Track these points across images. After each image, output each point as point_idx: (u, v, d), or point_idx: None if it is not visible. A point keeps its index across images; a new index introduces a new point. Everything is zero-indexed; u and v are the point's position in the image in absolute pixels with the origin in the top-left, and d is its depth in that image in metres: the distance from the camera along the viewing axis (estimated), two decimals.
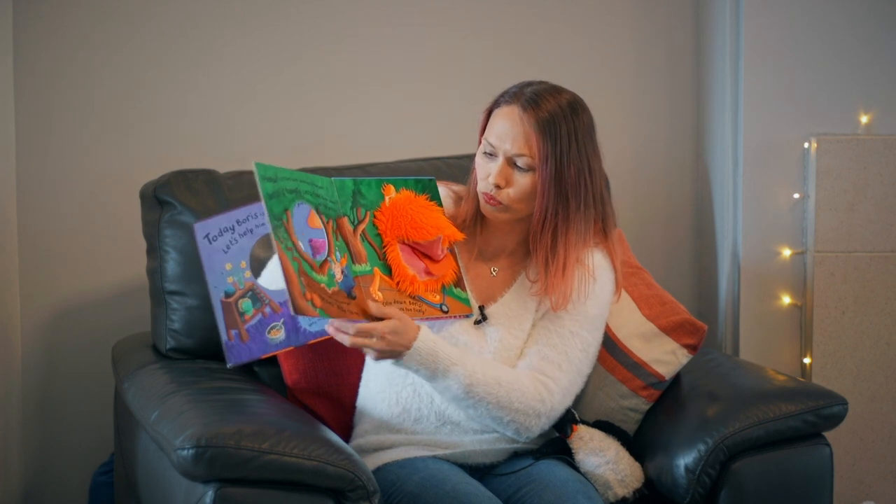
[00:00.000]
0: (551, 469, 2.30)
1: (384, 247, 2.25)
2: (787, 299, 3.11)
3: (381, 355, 2.18)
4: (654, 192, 3.29)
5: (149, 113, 3.00)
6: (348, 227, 2.22)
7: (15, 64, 2.92)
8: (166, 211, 2.61)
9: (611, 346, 2.47)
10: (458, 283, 2.31)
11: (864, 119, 3.07)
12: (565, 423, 2.36)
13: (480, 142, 2.32)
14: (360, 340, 2.16)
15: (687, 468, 2.32)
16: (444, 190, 2.40)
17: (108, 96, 2.98)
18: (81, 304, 2.99)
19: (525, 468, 2.31)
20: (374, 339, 2.16)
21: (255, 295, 2.28)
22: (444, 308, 2.26)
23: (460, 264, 2.33)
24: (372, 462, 2.31)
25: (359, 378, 2.45)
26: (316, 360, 2.51)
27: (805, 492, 2.36)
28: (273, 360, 2.57)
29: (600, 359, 2.46)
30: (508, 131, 2.27)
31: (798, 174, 3.09)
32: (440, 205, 2.33)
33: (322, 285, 2.11)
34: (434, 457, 2.32)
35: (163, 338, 2.62)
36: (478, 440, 2.34)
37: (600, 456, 2.36)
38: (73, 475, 3.03)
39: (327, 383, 2.51)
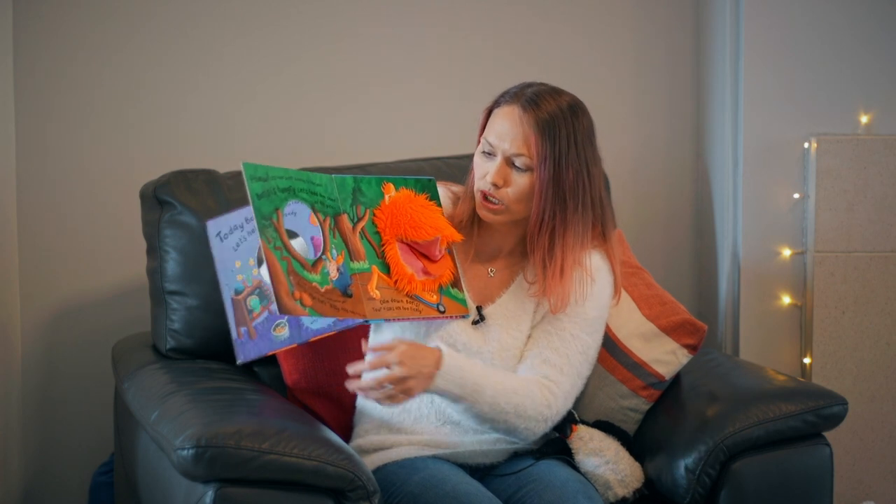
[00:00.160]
0: (551, 469, 2.30)
1: (383, 245, 2.25)
2: (787, 299, 3.11)
3: (409, 382, 2.15)
4: (654, 192, 3.29)
5: (149, 113, 3.00)
6: (347, 224, 2.21)
7: (15, 64, 2.92)
8: (166, 211, 2.61)
9: (611, 346, 2.47)
10: (456, 283, 2.31)
11: (864, 119, 3.07)
12: (565, 423, 2.36)
13: (479, 141, 2.32)
14: (382, 376, 2.14)
15: (687, 468, 2.32)
16: (442, 190, 2.40)
17: (108, 96, 2.98)
18: (81, 304, 2.99)
19: (525, 468, 2.31)
20: (395, 368, 2.14)
21: (263, 292, 2.27)
22: (441, 308, 2.26)
23: (458, 265, 2.33)
24: (372, 462, 2.31)
25: (358, 378, 2.44)
26: (316, 359, 2.51)
27: (805, 492, 2.36)
28: (273, 360, 2.57)
29: (601, 359, 2.46)
30: (508, 131, 2.27)
31: (798, 174, 3.09)
32: (439, 205, 2.33)
33: (314, 284, 2.10)
34: (434, 457, 2.32)
35: (163, 338, 2.62)
36: (478, 440, 2.34)
37: (600, 456, 2.36)
38: (73, 475, 3.03)
39: (327, 383, 2.51)
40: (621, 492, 2.35)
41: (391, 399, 2.15)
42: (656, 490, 2.39)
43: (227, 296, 2.31)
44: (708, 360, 2.60)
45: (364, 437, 2.38)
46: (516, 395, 2.23)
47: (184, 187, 2.61)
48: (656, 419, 2.46)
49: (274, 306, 2.17)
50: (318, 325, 2.23)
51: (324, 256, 2.14)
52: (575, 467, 2.36)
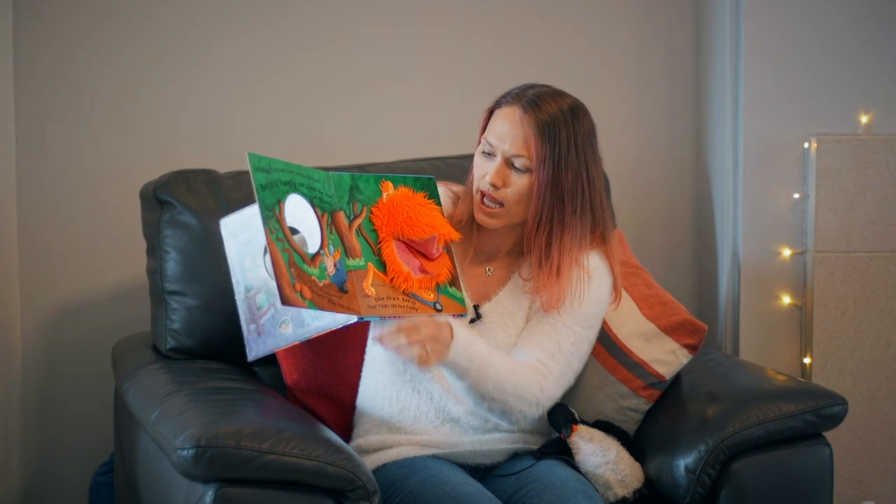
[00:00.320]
0: (551, 469, 2.30)
1: (379, 243, 2.24)
2: (787, 299, 3.11)
3: (437, 356, 2.15)
4: (654, 192, 3.29)
5: (149, 113, 3.00)
6: (344, 221, 2.21)
7: (15, 64, 2.92)
8: (166, 211, 2.61)
9: (611, 346, 2.47)
10: (454, 282, 2.30)
11: (864, 119, 3.07)
12: (565, 423, 2.37)
13: (480, 141, 2.32)
14: (405, 340, 2.13)
15: (687, 468, 2.32)
16: (443, 190, 2.40)
17: (108, 96, 2.98)
18: (81, 304, 2.99)
19: (525, 469, 2.31)
20: (423, 330, 2.13)
21: (270, 289, 2.28)
22: (438, 306, 2.26)
23: (456, 264, 2.33)
24: (372, 462, 2.31)
25: (358, 377, 2.45)
26: (316, 359, 2.51)
27: (805, 492, 2.36)
28: (273, 360, 2.57)
29: (600, 359, 2.46)
30: (508, 132, 2.27)
31: (798, 174, 3.09)
32: (439, 204, 2.33)
33: (313, 278, 2.10)
34: (434, 457, 2.32)
35: (163, 338, 2.62)
36: (478, 440, 2.34)
37: (600, 456, 2.36)
38: (73, 475, 3.03)
39: (327, 383, 2.51)
40: (621, 492, 2.35)
41: (413, 356, 2.14)
42: (656, 490, 2.39)
43: (239, 293, 2.31)
44: (708, 360, 2.60)
45: (364, 436, 2.38)
46: (515, 375, 2.24)
47: (184, 187, 2.61)
48: (656, 419, 2.46)
49: (279, 302, 2.18)
50: (319, 322, 2.23)
51: (322, 252, 2.14)
52: (575, 467, 2.36)
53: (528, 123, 2.26)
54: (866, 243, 3.06)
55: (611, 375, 2.47)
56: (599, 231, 2.34)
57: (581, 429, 2.38)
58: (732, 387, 2.45)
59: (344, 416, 2.50)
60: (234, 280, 2.32)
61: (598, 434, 2.39)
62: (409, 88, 3.14)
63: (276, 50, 3.06)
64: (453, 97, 3.14)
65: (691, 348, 2.48)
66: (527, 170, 2.27)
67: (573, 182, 2.27)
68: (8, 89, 2.91)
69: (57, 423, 3.02)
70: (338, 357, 2.51)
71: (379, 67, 3.12)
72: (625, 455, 2.38)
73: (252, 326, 2.29)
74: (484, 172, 2.30)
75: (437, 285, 2.27)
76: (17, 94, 2.93)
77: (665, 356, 2.47)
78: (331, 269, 2.15)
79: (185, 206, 2.59)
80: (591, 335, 2.35)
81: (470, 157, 2.37)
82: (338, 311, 2.12)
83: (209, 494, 2.05)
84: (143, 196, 2.66)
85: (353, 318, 2.16)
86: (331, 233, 2.17)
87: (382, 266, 2.22)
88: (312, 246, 2.14)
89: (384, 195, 2.28)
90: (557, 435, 2.38)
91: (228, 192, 2.63)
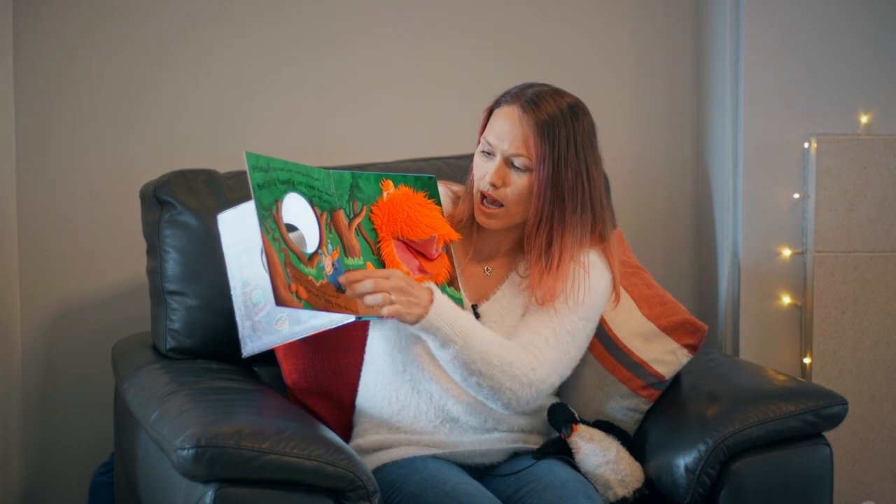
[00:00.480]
0: (551, 469, 2.30)
1: (379, 242, 2.24)
2: (787, 299, 3.11)
3: (405, 307, 2.13)
4: (654, 192, 3.29)
5: (149, 113, 3.00)
6: (343, 220, 2.21)
7: (15, 64, 2.92)
8: (166, 211, 2.61)
9: (611, 345, 2.47)
10: (452, 282, 2.30)
11: (864, 119, 3.07)
12: (565, 422, 2.37)
13: (479, 141, 2.32)
14: (375, 295, 2.12)
15: (687, 468, 2.32)
16: (443, 189, 2.40)
17: (108, 96, 2.98)
18: (81, 304, 3.00)
19: (525, 469, 2.31)
20: (394, 280, 2.12)
21: (266, 286, 2.27)
22: None
23: (455, 264, 2.33)
24: (372, 462, 2.31)
25: (358, 377, 2.45)
26: (315, 359, 2.51)
27: (805, 492, 2.36)
28: (273, 360, 2.58)
29: (601, 359, 2.46)
30: (507, 131, 2.27)
31: (798, 174, 3.09)
32: (439, 203, 2.33)
33: (310, 278, 2.10)
34: (434, 456, 2.32)
35: (163, 338, 2.62)
36: (478, 440, 2.34)
37: (600, 456, 2.36)
38: (73, 475, 3.03)
39: (327, 383, 2.51)
40: (621, 492, 2.35)
41: (377, 303, 2.12)
42: (656, 490, 2.39)
43: (235, 289, 2.31)
44: (708, 360, 2.60)
45: (364, 436, 2.38)
46: (503, 349, 2.22)
47: (184, 187, 2.61)
48: (656, 419, 2.46)
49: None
50: (316, 320, 2.22)
51: (319, 251, 2.14)
52: (575, 467, 2.36)
53: (527, 123, 2.26)
54: (866, 243, 3.06)
55: (611, 375, 2.47)
56: (599, 229, 2.34)
57: (581, 428, 2.38)
58: (732, 387, 2.45)
59: (344, 415, 2.50)
60: (230, 275, 2.32)
61: (598, 434, 2.39)
62: (409, 88, 3.14)
63: (276, 50, 3.06)
64: (453, 97, 3.14)
65: (691, 348, 2.48)
66: (526, 169, 2.27)
67: (573, 181, 2.27)
68: (8, 89, 2.91)
69: (57, 423, 3.02)
70: (337, 357, 2.51)
71: (379, 67, 3.12)
72: (625, 455, 2.38)
73: (248, 323, 2.29)
74: (484, 172, 2.30)
75: (436, 285, 2.27)
76: (17, 94, 2.93)
77: (665, 356, 2.47)
78: (329, 269, 2.14)
79: (185, 206, 2.59)
80: (589, 327, 2.35)
81: (470, 157, 2.37)
82: (335, 312, 2.12)
83: (209, 494, 2.05)
84: (143, 196, 2.66)
85: (352, 318, 2.16)
86: (329, 232, 2.17)
87: (381, 265, 2.22)
88: (310, 245, 2.14)
89: (384, 194, 2.28)
90: (557, 435, 2.38)
91: (228, 192, 2.63)
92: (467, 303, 2.34)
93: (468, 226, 2.38)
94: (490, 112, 2.33)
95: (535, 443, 2.39)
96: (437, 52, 3.15)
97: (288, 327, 2.25)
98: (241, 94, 3.05)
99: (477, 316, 2.33)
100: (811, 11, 3.06)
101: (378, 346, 2.37)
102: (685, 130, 3.30)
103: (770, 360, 3.11)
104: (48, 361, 3.00)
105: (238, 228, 2.31)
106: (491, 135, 2.29)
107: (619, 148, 3.19)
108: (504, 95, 2.32)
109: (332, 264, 2.15)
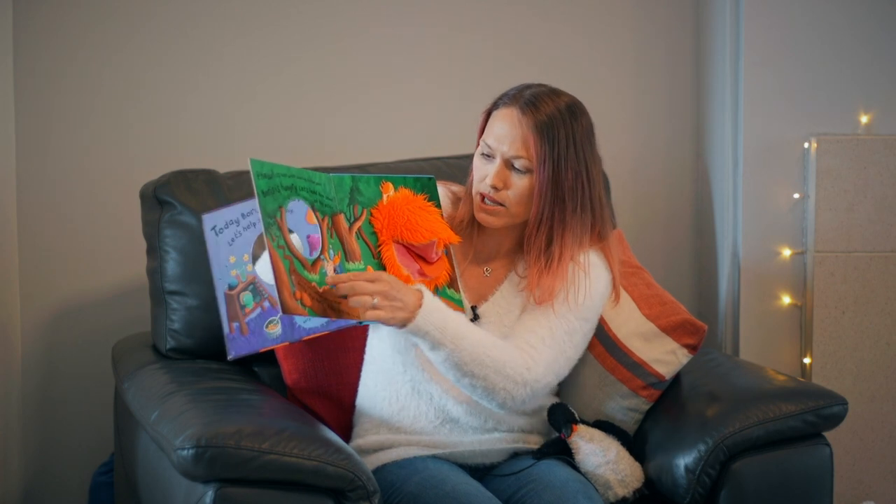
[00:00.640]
0: (551, 469, 2.30)
1: (379, 245, 2.24)
2: (787, 299, 3.11)
3: (387, 312, 2.12)
4: (654, 192, 3.29)
5: (149, 113, 3.00)
6: (344, 224, 2.21)
7: (15, 64, 2.92)
8: (166, 211, 2.61)
9: (611, 345, 2.47)
10: (452, 284, 2.30)
11: (864, 119, 3.07)
12: (565, 422, 2.36)
13: (479, 143, 2.32)
14: (359, 297, 2.10)
15: (687, 468, 2.32)
16: (442, 190, 2.40)
17: (108, 96, 2.98)
18: (81, 304, 3.00)
19: (525, 469, 2.31)
20: (378, 284, 2.10)
21: (256, 288, 2.28)
22: None
23: (455, 265, 2.33)
24: (372, 462, 2.31)
25: (358, 377, 2.45)
26: (316, 359, 2.51)
27: (805, 492, 2.36)
28: (273, 360, 2.58)
29: (600, 359, 2.46)
30: (507, 133, 2.27)
31: (798, 174, 3.09)
32: (438, 205, 2.32)
33: (313, 284, 2.10)
34: (434, 457, 2.32)
35: (163, 338, 2.62)
36: (478, 440, 2.34)
37: (600, 456, 2.36)
38: (73, 475, 3.03)
39: (327, 383, 2.51)
40: (621, 492, 2.35)
41: (361, 305, 2.10)
42: (656, 490, 2.39)
43: (221, 290, 2.31)
44: (708, 360, 2.60)
45: (364, 436, 2.38)
46: (496, 349, 2.22)
47: (184, 187, 2.61)
48: (656, 419, 2.46)
49: (267, 303, 2.17)
50: (311, 324, 2.23)
51: (322, 256, 2.14)
52: (575, 467, 2.36)
53: (526, 124, 2.25)
54: (866, 243, 3.06)
55: (611, 375, 2.47)
56: (598, 229, 2.34)
57: (581, 429, 2.38)
58: (732, 387, 2.45)
59: (344, 416, 2.50)
60: (215, 277, 2.32)
61: (598, 434, 2.39)
62: (409, 88, 3.14)
63: (276, 50, 3.06)
64: (453, 97, 3.14)
65: (691, 348, 2.48)
66: (527, 170, 2.27)
67: (573, 180, 2.27)
68: (8, 89, 2.91)
69: (57, 423, 3.02)
70: (338, 357, 2.51)
71: (379, 67, 3.12)
72: (625, 455, 2.38)
73: (235, 325, 2.29)
74: (484, 175, 2.29)
75: (436, 288, 2.27)
76: (17, 94, 2.93)
77: (665, 356, 2.47)
78: (331, 274, 2.14)
79: (185, 206, 2.59)
80: (587, 328, 2.34)
81: (470, 157, 2.37)
82: (337, 318, 2.11)
83: (209, 494, 2.05)
84: (143, 196, 2.66)
85: (353, 322, 2.16)
86: (331, 236, 2.17)
87: (382, 269, 2.22)
88: (312, 251, 2.14)
89: (384, 197, 2.28)
90: (557, 435, 2.38)
91: (228, 192, 2.63)
92: (467, 304, 2.34)
93: (468, 227, 2.37)
94: (488, 114, 2.32)
95: (535, 443, 2.39)
96: (437, 52, 3.15)
97: (280, 330, 2.25)
98: (241, 94, 3.05)
99: (476, 317, 2.33)
100: (811, 11, 3.06)
101: (378, 347, 2.38)
102: (685, 130, 3.30)
103: (770, 360, 3.11)
104: (48, 361, 3.00)
105: (225, 229, 2.31)
106: (490, 137, 2.29)
107: (619, 148, 3.19)
108: (502, 97, 2.32)
109: (334, 269, 2.15)
